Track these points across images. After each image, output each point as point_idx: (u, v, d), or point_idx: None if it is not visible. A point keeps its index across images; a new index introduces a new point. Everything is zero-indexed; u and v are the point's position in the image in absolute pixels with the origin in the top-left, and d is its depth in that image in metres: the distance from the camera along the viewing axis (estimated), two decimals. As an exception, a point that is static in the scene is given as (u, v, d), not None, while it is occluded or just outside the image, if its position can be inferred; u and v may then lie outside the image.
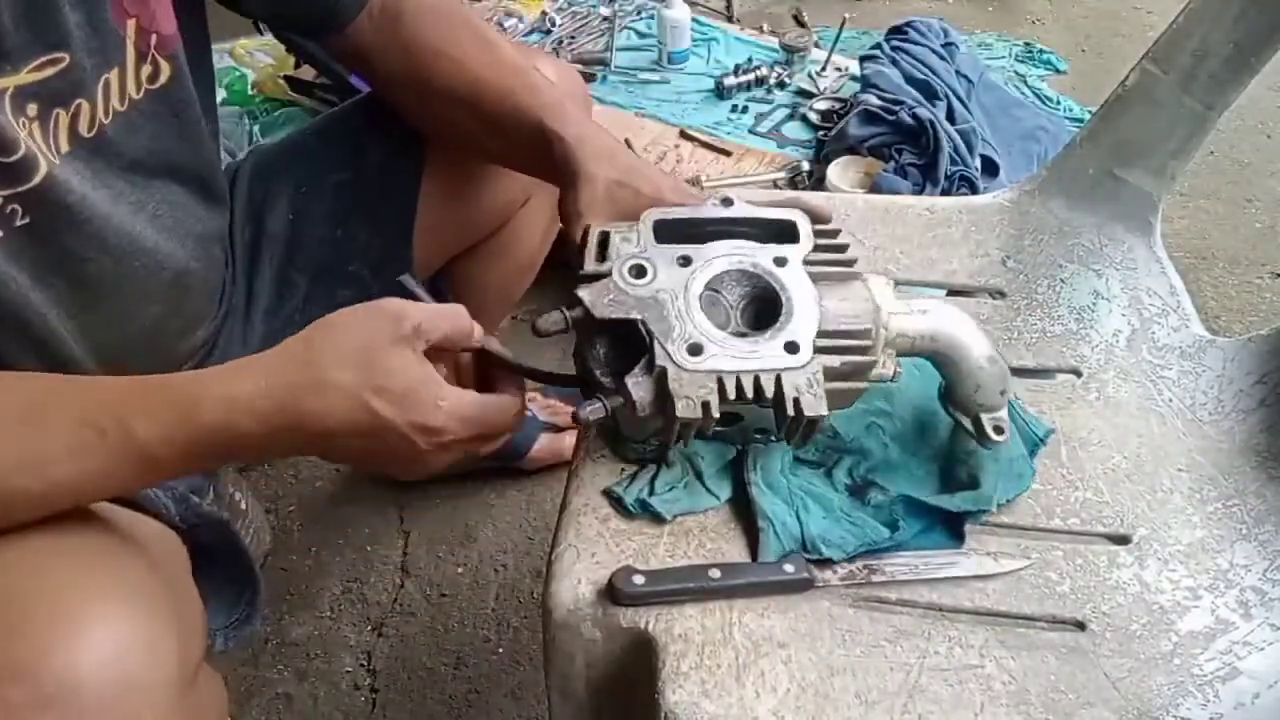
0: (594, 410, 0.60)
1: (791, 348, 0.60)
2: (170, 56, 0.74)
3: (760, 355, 0.60)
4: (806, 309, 0.62)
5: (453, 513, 1.36)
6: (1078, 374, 0.80)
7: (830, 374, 0.61)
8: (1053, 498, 0.71)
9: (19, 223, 0.66)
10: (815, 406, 0.59)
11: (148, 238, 0.75)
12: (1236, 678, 0.61)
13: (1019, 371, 0.80)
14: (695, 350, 0.60)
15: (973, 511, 0.67)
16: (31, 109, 0.65)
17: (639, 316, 0.61)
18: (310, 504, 1.39)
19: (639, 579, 0.60)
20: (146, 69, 0.72)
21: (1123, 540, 0.69)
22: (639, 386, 0.59)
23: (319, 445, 0.61)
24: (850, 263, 0.65)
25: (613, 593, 0.60)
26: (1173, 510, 0.71)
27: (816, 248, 0.66)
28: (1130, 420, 0.77)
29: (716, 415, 0.59)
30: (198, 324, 0.86)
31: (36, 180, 0.65)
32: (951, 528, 0.67)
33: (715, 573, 0.62)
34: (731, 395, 0.59)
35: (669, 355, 0.59)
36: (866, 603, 0.64)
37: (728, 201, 0.68)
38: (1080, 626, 0.63)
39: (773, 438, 0.67)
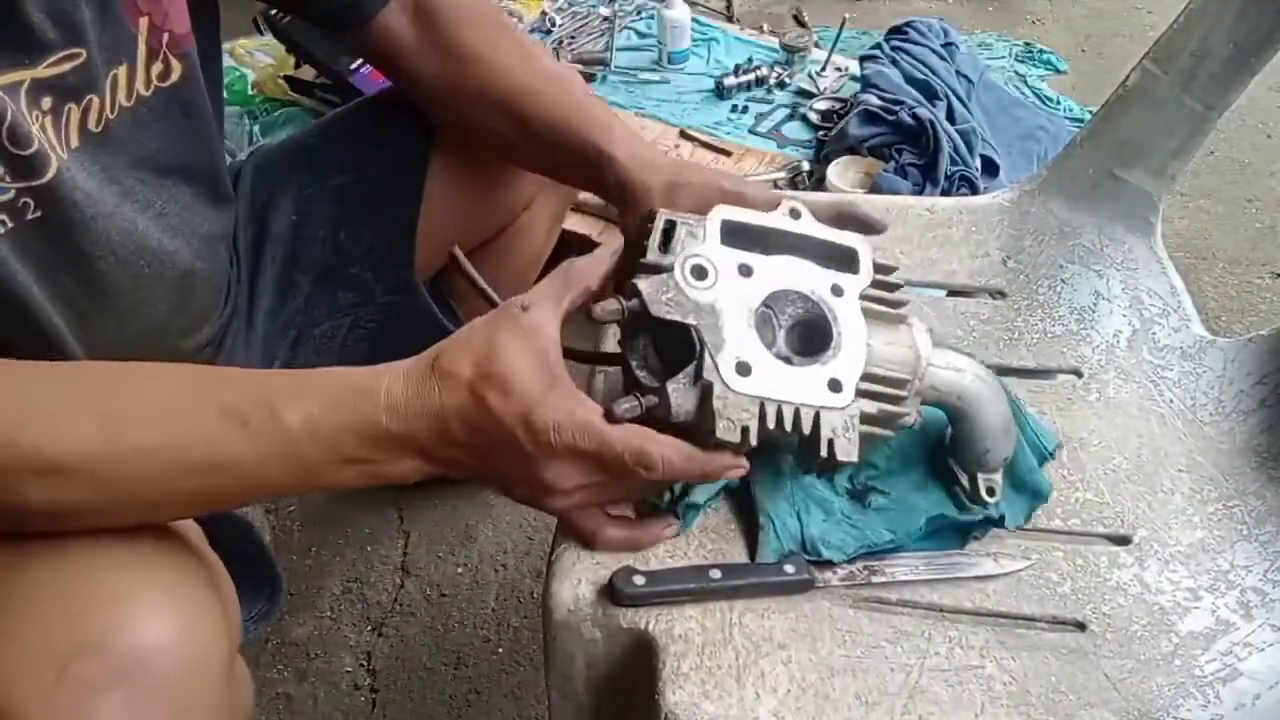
0: (630, 409, 0.59)
1: (835, 386, 0.60)
2: (183, 56, 0.74)
3: (803, 386, 0.60)
4: (855, 347, 0.62)
5: (453, 513, 1.36)
6: (1078, 374, 0.80)
7: (865, 419, 0.61)
8: (1053, 498, 0.71)
9: (30, 216, 0.67)
10: (848, 452, 0.59)
11: (153, 236, 0.75)
12: (1237, 679, 0.61)
13: (1020, 372, 0.80)
14: (744, 370, 0.59)
15: (982, 524, 0.67)
16: (46, 103, 0.66)
17: (694, 323, 0.60)
18: (310, 504, 1.39)
19: (639, 579, 0.60)
20: (158, 67, 0.73)
21: (1123, 541, 0.69)
22: (680, 394, 0.58)
23: (443, 444, 0.58)
24: (901, 303, 0.65)
25: (613, 593, 0.60)
26: (1173, 511, 0.71)
27: (874, 283, 0.65)
28: (1130, 421, 0.77)
29: (754, 443, 0.58)
30: (203, 323, 0.86)
31: (49, 176, 0.66)
32: (953, 531, 0.67)
33: (716, 573, 0.62)
34: (771, 425, 0.58)
35: (717, 370, 0.58)
36: (867, 603, 0.64)
37: (795, 214, 0.67)
38: (1081, 627, 0.63)
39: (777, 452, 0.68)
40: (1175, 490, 0.72)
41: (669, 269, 0.61)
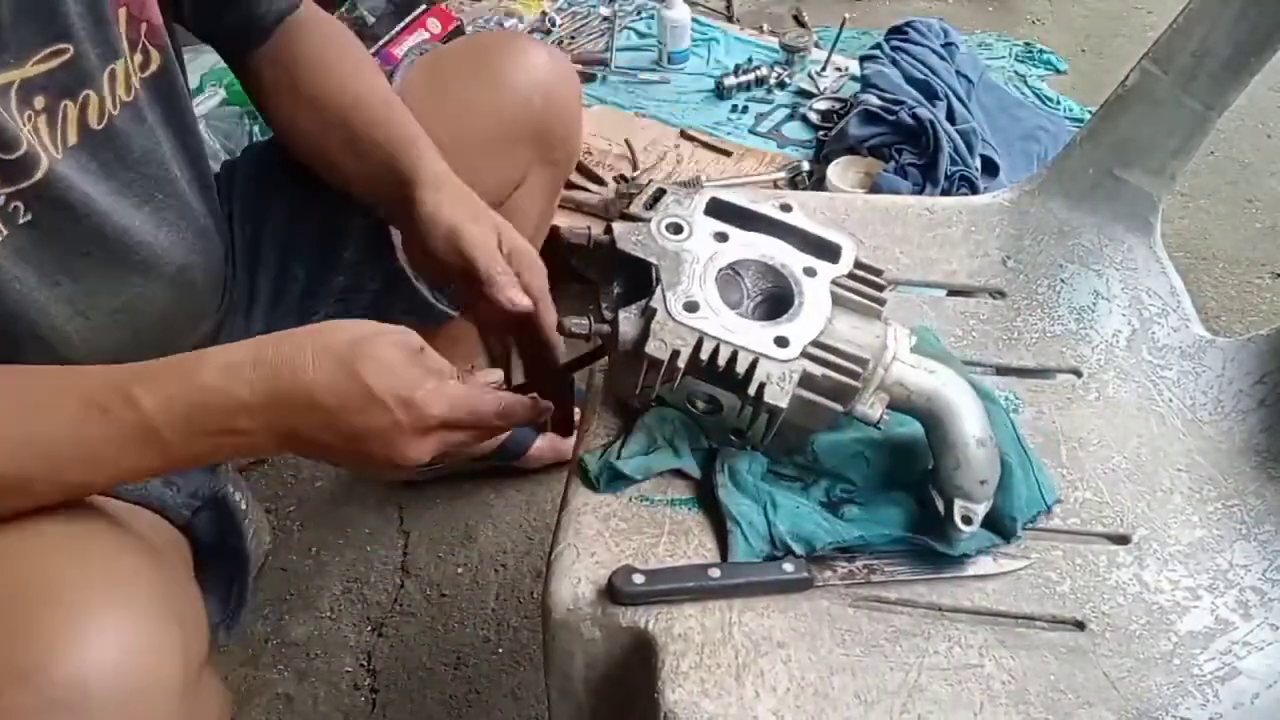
0: (578, 325, 0.62)
1: (781, 342, 0.61)
2: (161, 47, 0.75)
3: (749, 337, 0.61)
4: (813, 317, 0.62)
5: (453, 513, 1.36)
6: (1078, 374, 0.80)
7: (809, 382, 0.61)
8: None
9: (22, 220, 0.66)
10: (777, 397, 0.59)
11: (148, 232, 0.75)
12: (1236, 678, 0.61)
13: (1019, 371, 0.80)
14: (691, 307, 0.61)
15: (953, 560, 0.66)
16: (39, 102, 0.65)
17: (655, 262, 0.62)
18: (310, 504, 1.39)
19: (639, 578, 0.60)
20: (138, 58, 0.73)
21: (1122, 540, 0.69)
22: (628, 322, 0.61)
23: (309, 423, 0.59)
24: (880, 301, 0.65)
25: (612, 592, 0.60)
26: (1172, 510, 0.71)
27: (851, 275, 0.66)
28: (1130, 420, 0.77)
29: (681, 367, 0.60)
30: (201, 319, 0.86)
31: (37, 176, 0.65)
32: (931, 553, 0.66)
33: (715, 572, 0.62)
34: (704, 357, 0.60)
35: (665, 301, 0.61)
36: (866, 602, 0.64)
37: (786, 208, 0.68)
38: (1080, 626, 0.63)
39: (747, 446, 0.67)
40: (1174, 490, 0.72)
41: (647, 221, 0.64)
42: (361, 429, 0.59)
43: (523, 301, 0.71)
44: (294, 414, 0.58)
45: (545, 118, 1.01)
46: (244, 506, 1.28)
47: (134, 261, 0.74)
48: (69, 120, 0.68)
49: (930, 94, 1.69)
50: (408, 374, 0.58)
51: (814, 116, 1.77)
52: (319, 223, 0.96)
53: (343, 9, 1.80)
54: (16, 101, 0.64)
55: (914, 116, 1.59)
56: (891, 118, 1.61)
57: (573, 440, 0.77)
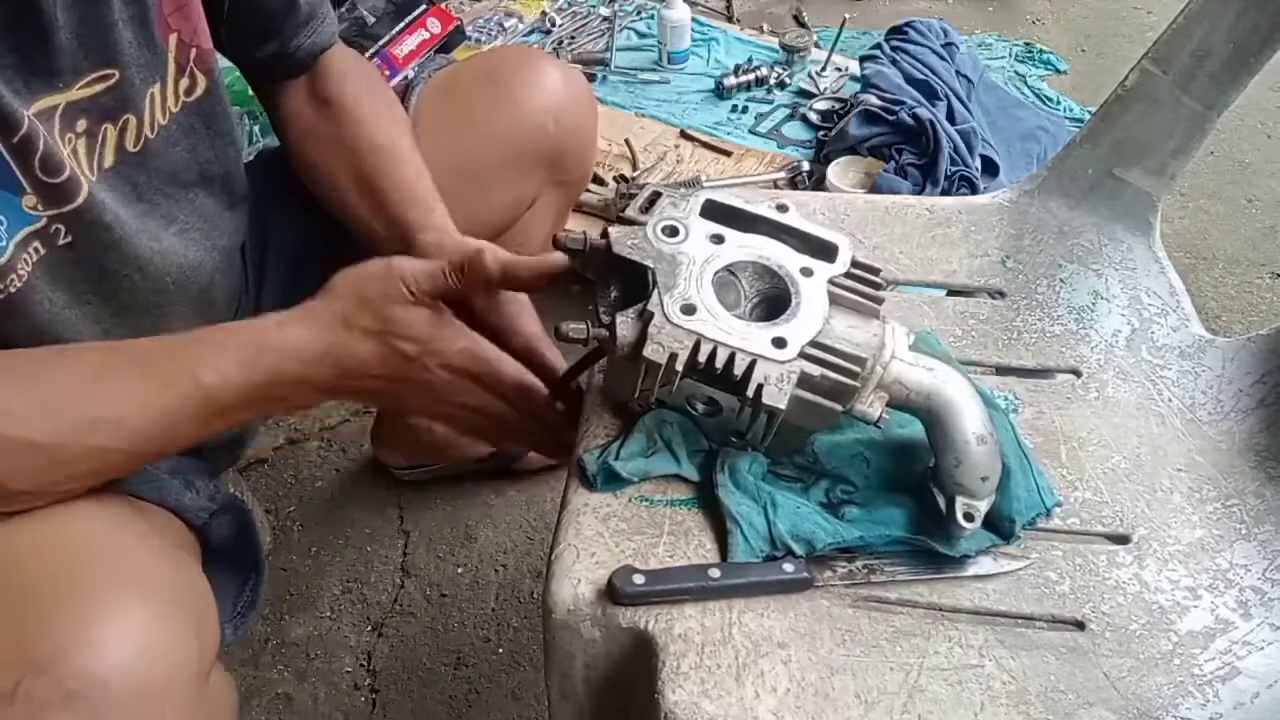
0: (575, 329, 0.62)
1: (779, 343, 0.61)
2: (208, 71, 0.75)
3: (746, 338, 0.61)
4: (810, 317, 0.62)
5: (453, 513, 1.36)
6: (1077, 374, 0.80)
7: (808, 382, 0.61)
8: (1052, 497, 0.71)
9: (61, 241, 0.67)
10: (775, 398, 0.59)
11: (177, 251, 0.76)
12: (1236, 677, 0.61)
13: (1019, 371, 0.80)
14: (688, 310, 0.61)
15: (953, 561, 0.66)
16: (80, 125, 0.66)
17: (651, 265, 0.62)
18: (310, 504, 1.39)
19: (639, 579, 0.60)
20: (184, 82, 0.74)
21: (1122, 540, 0.69)
22: (625, 325, 0.61)
23: (353, 378, 0.66)
24: (877, 300, 0.65)
25: (612, 592, 0.60)
26: (1172, 510, 0.71)
27: (849, 275, 0.66)
28: (1130, 420, 0.77)
29: (679, 370, 0.60)
30: None
31: (79, 201, 0.66)
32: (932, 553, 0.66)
33: (715, 572, 0.62)
34: (702, 359, 0.60)
35: (662, 305, 0.61)
36: (866, 603, 0.64)
37: (783, 208, 0.68)
38: (1080, 626, 0.63)
39: (747, 447, 0.67)
40: (1174, 489, 0.72)
41: (643, 224, 0.65)
42: (394, 379, 0.67)
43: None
44: (335, 376, 0.65)
45: (559, 141, 1.01)
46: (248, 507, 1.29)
47: (162, 281, 0.75)
48: (107, 143, 0.68)
49: (930, 94, 1.69)
50: (426, 335, 0.67)
51: (814, 116, 1.77)
52: (328, 238, 0.96)
53: (342, 9, 1.80)
54: (60, 125, 0.64)
55: (914, 116, 1.59)
56: (891, 118, 1.61)
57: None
